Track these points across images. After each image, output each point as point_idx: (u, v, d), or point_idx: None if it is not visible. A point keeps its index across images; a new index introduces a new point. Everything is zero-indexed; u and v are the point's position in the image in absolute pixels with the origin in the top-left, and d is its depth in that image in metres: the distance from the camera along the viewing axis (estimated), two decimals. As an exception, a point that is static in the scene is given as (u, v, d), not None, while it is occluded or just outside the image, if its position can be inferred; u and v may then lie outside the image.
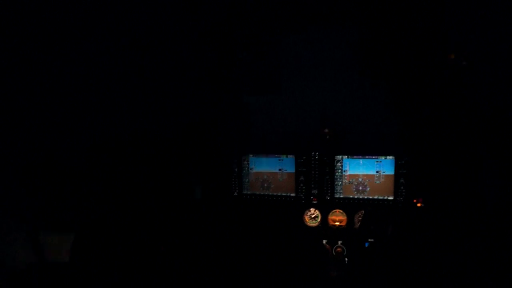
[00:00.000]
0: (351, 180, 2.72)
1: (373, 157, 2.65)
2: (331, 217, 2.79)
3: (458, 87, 2.08)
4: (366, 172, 2.68)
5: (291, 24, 2.56)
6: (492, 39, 1.52)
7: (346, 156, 2.71)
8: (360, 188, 2.70)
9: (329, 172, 2.74)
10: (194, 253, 0.90)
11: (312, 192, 2.79)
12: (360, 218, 2.73)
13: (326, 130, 2.81)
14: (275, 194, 2.85)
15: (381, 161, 2.64)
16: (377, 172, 2.66)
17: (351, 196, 2.73)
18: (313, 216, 2.83)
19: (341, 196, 2.75)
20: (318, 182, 2.77)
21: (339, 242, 2.76)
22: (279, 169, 2.83)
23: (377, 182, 2.66)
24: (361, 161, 2.68)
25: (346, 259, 2.72)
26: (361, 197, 2.70)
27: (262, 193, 2.87)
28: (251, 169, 2.86)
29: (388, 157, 2.63)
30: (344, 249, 2.74)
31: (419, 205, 2.57)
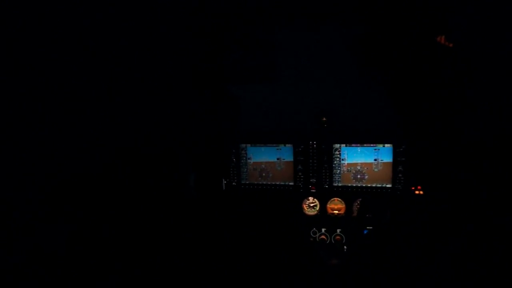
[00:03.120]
0: (349, 168, 2.71)
1: (371, 145, 2.65)
2: (330, 205, 2.80)
3: (457, 74, 2.06)
4: (364, 160, 2.68)
5: (287, 13, 2.52)
6: (496, 31, 1.50)
7: (344, 145, 2.70)
8: (359, 176, 2.70)
9: (327, 161, 2.73)
10: (194, 245, 0.90)
11: (311, 181, 2.79)
12: (358, 206, 2.74)
13: (324, 119, 2.80)
14: (273, 183, 2.85)
15: (379, 149, 2.64)
16: (375, 160, 2.66)
17: (349, 185, 2.73)
18: (311, 204, 2.83)
19: (340, 185, 2.75)
20: (317, 170, 2.77)
21: (338, 231, 2.77)
22: (277, 158, 2.82)
23: (376, 170, 2.66)
24: (359, 149, 2.68)
25: (345, 247, 2.74)
26: (359, 185, 2.71)
27: (260, 182, 2.87)
28: (249, 159, 2.85)
29: (386, 145, 2.62)
30: (343, 237, 2.76)
31: (417, 192, 2.58)
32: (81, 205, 0.61)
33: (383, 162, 2.64)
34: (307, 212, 2.85)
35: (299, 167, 2.79)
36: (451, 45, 2.04)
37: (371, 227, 2.62)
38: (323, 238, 2.79)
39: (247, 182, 2.89)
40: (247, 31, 2.70)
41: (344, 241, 2.75)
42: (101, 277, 0.64)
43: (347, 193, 2.75)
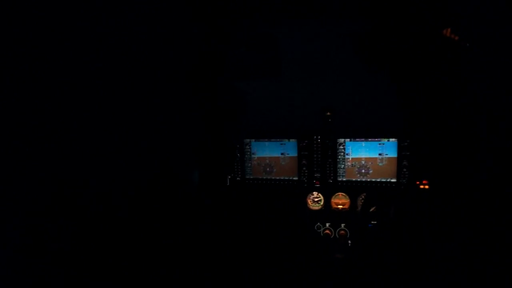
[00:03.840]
0: (353, 163, 2.71)
1: (376, 139, 2.64)
2: (334, 200, 2.80)
3: (462, 68, 2.05)
4: (368, 155, 2.67)
5: (291, 8, 2.51)
6: (502, 27, 1.48)
7: (349, 139, 2.70)
8: (363, 171, 2.70)
9: (332, 156, 2.73)
10: (200, 240, 0.91)
11: (315, 175, 2.79)
12: (362, 201, 2.74)
13: (328, 114, 2.79)
14: (277, 178, 2.85)
15: (384, 144, 2.63)
16: (380, 154, 2.65)
17: (353, 179, 2.73)
18: (316, 199, 2.84)
19: (344, 179, 2.74)
20: (321, 165, 2.77)
21: (342, 225, 2.78)
22: (281, 153, 2.82)
23: (380, 164, 2.66)
24: (363, 143, 2.67)
25: (349, 241, 2.74)
26: (364, 179, 2.70)
27: (264, 177, 2.87)
28: (253, 154, 2.86)
29: (391, 139, 2.61)
30: (348, 231, 2.76)
31: (422, 186, 2.57)
32: (83, 203, 0.61)
33: (388, 157, 2.63)
34: (311, 207, 2.85)
35: (303, 162, 2.79)
36: (456, 38, 2.02)
37: (375, 222, 2.62)
38: (327, 233, 2.79)
39: (251, 177, 2.89)
40: (252, 26, 2.69)
41: (348, 235, 2.76)
42: (105, 272, 0.65)
43: (351, 188, 2.75)
